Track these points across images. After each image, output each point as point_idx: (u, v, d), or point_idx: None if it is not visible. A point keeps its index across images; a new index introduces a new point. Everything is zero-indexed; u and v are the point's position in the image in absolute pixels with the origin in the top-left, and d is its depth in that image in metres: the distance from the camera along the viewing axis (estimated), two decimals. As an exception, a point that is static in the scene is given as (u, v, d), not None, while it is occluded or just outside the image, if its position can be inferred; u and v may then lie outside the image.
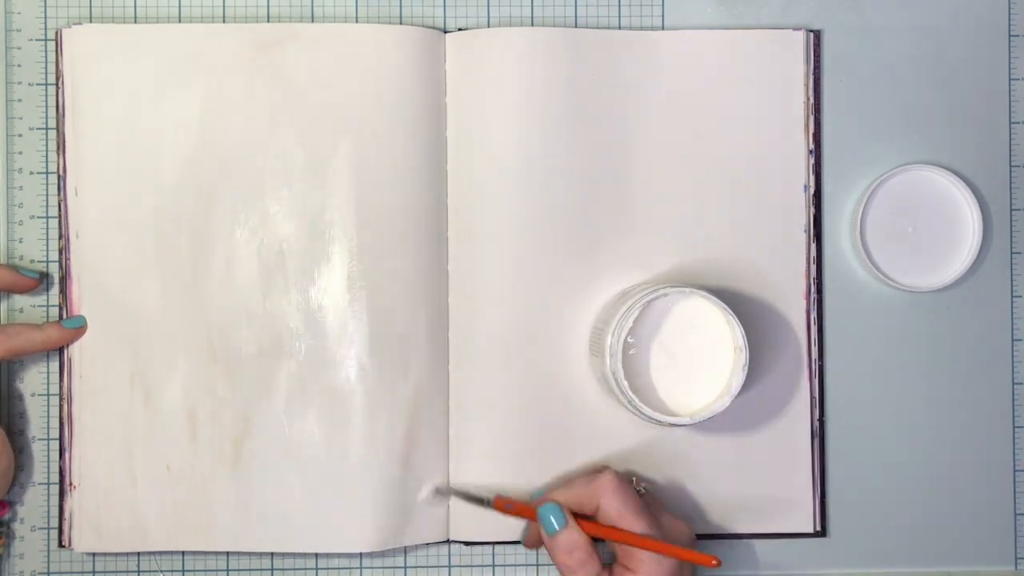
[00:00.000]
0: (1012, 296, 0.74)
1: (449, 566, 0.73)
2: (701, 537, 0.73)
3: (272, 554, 0.73)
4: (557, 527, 0.65)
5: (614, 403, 0.69)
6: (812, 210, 0.73)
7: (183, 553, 0.72)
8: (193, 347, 0.71)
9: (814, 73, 0.72)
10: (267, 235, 0.71)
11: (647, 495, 0.69)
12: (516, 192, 0.71)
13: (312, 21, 0.73)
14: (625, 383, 0.65)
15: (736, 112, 0.72)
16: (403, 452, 0.70)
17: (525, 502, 0.68)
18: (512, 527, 0.71)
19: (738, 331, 0.66)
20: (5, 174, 0.72)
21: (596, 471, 0.68)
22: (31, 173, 0.72)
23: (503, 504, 0.68)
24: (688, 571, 0.66)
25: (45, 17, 0.73)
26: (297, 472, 0.70)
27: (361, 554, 0.73)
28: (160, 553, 0.72)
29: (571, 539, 0.65)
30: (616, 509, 0.65)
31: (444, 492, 0.71)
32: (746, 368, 0.66)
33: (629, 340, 0.67)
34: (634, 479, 0.70)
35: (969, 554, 0.74)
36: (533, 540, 0.70)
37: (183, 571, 0.73)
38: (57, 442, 0.72)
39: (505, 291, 0.71)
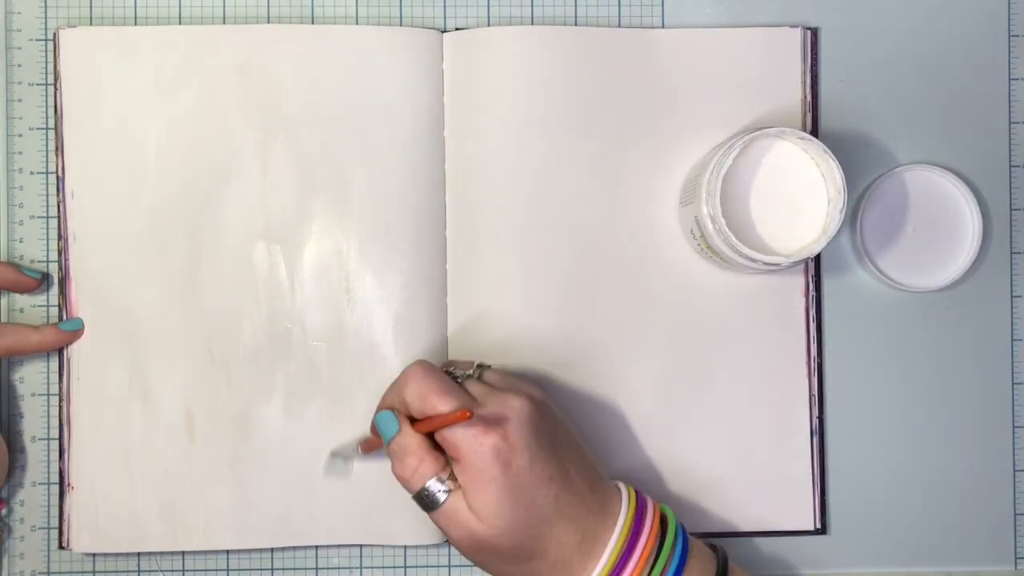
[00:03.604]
0: (1012, 296, 0.74)
1: (449, 566, 0.73)
2: (700, 535, 0.72)
3: (272, 552, 0.73)
4: (391, 434, 0.62)
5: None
6: (812, 209, 0.72)
7: (183, 553, 0.73)
8: (191, 348, 0.71)
9: (811, 71, 0.72)
10: (264, 236, 0.71)
11: (470, 379, 0.64)
12: (514, 191, 0.71)
13: (312, 22, 0.73)
14: (723, 220, 0.64)
15: (734, 110, 0.72)
16: (402, 452, 0.71)
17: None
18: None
19: (837, 174, 0.64)
20: (5, 174, 0.72)
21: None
22: (31, 173, 0.72)
23: (366, 446, 0.68)
24: (522, 431, 0.60)
25: (45, 17, 0.73)
26: (296, 472, 0.71)
27: (361, 553, 0.73)
28: (160, 553, 0.72)
29: (400, 444, 0.61)
30: (417, 394, 0.61)
31: (337, 460, 0.71)
32: (844, 211, 0.65)
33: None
34: (454, 366, 0.66)
35: (969, 554, 0.73)
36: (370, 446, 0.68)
37: (183, 571, 0.73)
38: (57, 442, 0.72)
39: (504, 291, 0.71)
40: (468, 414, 0.58)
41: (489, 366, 0.67)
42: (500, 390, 0.62)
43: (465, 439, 0.59)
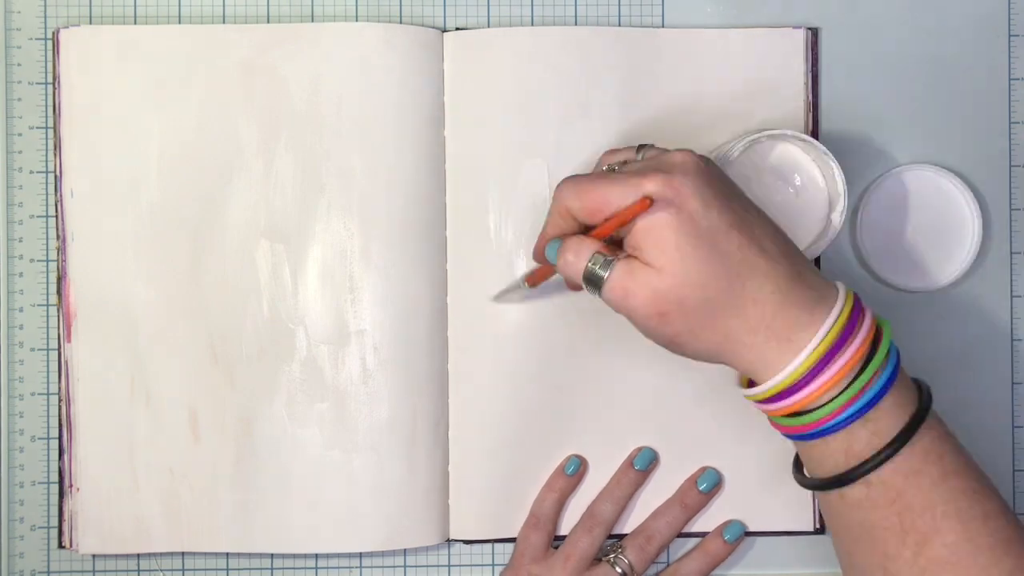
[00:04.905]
0: (1012, 296, 0.74)
1: (449, 565, 0.73)
2: (698, 535, 0.73)
3: (272, 555, 0.73)
4: (556, 250, 0.59)
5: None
6: (812, 210, 0.72)
7: (183, 553, 0.73)
8: (194, 349, 0.71)
9: (812, 71, 0.72)
10: (267, 235, 0.71)
11: (627, 164, 0.61)
12: (514, 191, 0.71)
13: (312, 21, 0.73)
14: None
15: (735, 111, 0.72)
16: (403, 452, 0.71)
17: (541, 264, 0.64)
18: (511, 526, 0.72)
19: (838, 175, 0.64)
20: (5, 173, 0.72)
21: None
22: (31, 172, 0.72)
23: (530, 279, 0.66)
24: (687, 178, 0.56)
25: (45, 16, 0.73)
26: (298, 473, 0.71)
27: (361, 554, 0.73)
28: (160, 554, 0.72)
29: (561, 250, 0.58)
30: (577, 199, 0.57)
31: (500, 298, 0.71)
32: (844, 213, 0.65)
33: None
34: (610, 162, 0.63)
35: (968, 554, 0.73)
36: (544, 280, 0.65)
37: (183, 571, 0.73)
38: (56, 442, 0.72)
39: (503, 289, 0.71)
40: (647, 202, 0.55)
41: (651, 144, 0.62)
42: (662, 153, 0.58)
43: (623, 198, 0.56)
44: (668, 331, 0.57)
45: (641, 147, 0.62)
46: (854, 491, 0.57)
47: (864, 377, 0.56)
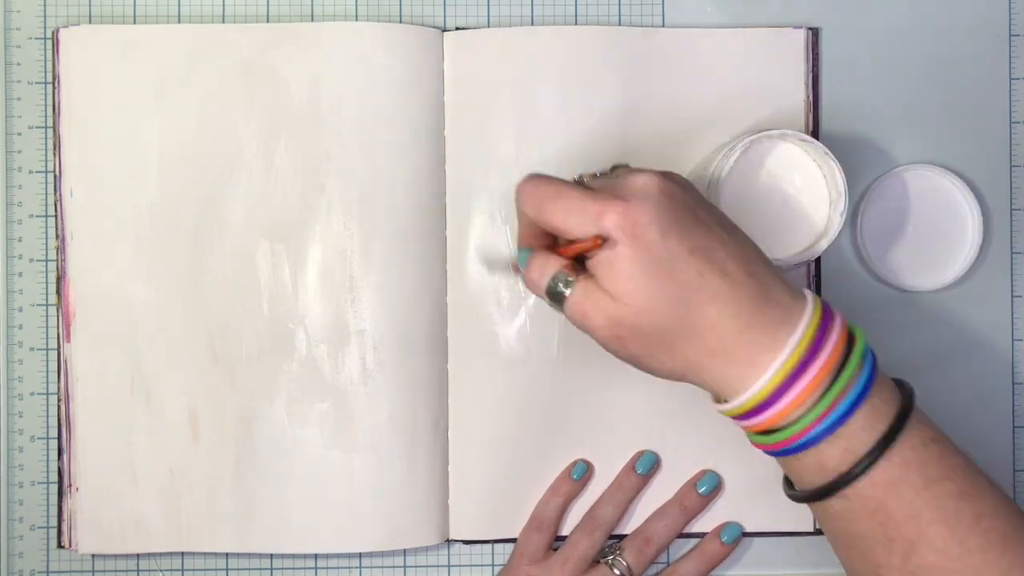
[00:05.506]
0: (1012, 296, 0.74)
1: (449, 565, 0.73)
2: (698, 535, 0.73)
3: (272, 555, 0.73)
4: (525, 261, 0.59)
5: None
6: (812, 210, 0.72)
7: (183, 553, 0.73)
8: (194, 348, 0.71)
9: (812, 72, 0.72)
10: (267, 235, 0.71)
11: (596, 178, 0.60)
12: (515, 191, 0.71)
13: (312, 21, 0.72)
14: None
15: (735, 111, 0.72)
16: (403, 452, 0.71)
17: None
18: (511, 526, 0.72)
19: (839, 176, 0.65)
20: (5, 173, 0.72)
21: None
22: (30, 172, 0.72)
23: (517, 271, 0.64)
24: (647, 203, 0.55)
25: (45, 16, 0.73)
26: (298, 473, 0.71)
27: (361, 554, 0.73)
28: (160, 554, 0.72)
29: (527, 261, 0.58)
30: (533, 207, 0.57)
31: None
32: (844, 213, 0.65)
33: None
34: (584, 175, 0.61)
35: (968, 554, 0.74)
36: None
37: (183, 571, 0.73)
38: (56, 442, 0.72)
39: (504, 291, 0.71)
40: (600, 241, 0.54)
41: (627, 164, 0.61)
42: (627, 175, 0.57)
43: (583, 226, 0.55)
44: (626, 353, 0.57)
45: (615, 167, 0.61)
46: (834, 504, 0.56)
47: (832, 393, 0.55)
